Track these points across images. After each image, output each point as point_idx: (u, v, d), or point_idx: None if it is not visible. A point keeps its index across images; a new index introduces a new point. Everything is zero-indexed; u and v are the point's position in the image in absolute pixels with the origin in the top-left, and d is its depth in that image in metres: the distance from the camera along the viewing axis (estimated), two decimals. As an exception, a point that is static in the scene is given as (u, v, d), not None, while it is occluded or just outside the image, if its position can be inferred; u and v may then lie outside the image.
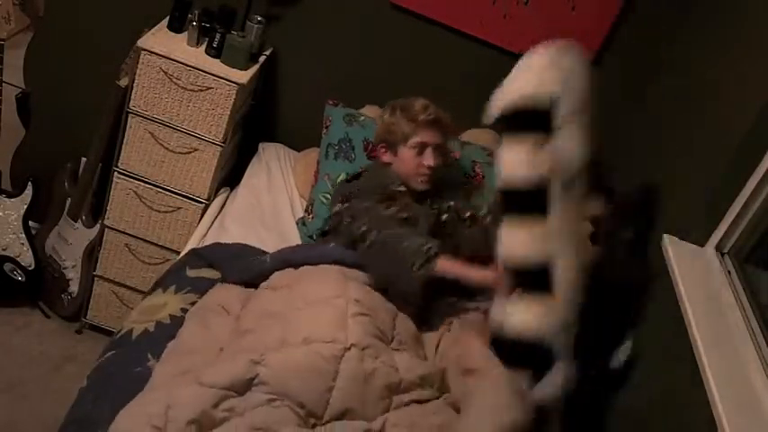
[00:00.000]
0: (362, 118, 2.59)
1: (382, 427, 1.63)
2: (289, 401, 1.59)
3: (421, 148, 2.19)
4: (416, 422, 1.64)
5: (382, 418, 1.65)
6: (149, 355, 1.81)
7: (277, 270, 2.02)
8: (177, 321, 1.92)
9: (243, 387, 1.60)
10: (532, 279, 1.78)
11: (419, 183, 2.22)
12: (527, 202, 1.77)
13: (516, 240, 1.78)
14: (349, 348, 1.66)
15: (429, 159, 2.19)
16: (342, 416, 1.62)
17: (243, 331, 1.81)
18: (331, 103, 2.64)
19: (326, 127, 2.60)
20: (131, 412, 1.57)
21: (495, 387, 1.72)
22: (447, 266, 1.95)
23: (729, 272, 1.92)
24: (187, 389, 1.57)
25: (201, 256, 2.20)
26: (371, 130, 2.54)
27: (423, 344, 1.96)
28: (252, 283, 2.05)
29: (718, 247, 1.97)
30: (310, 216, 2.46)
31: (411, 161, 2.19)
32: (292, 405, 1.59)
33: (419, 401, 1.73)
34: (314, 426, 1.61)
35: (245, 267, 2.09)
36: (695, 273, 1.88)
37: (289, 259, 2.05)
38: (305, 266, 2.02)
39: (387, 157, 2.26)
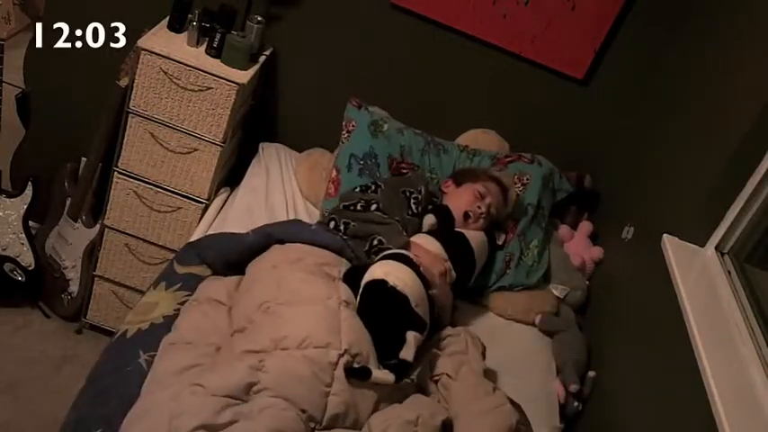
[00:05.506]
0: (386, 127, 2.53)
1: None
2: (292, 405, 1.62)
3: (484, 194, 2.40)
4: (389, 420, 1.69)
5: (367, 422, 1.70)
6: (140, 352, 1.81)
7: (259, 244, 2.05)
8: (170, 320, 1.92)
9: (244, 393, 1.61)
10: None
11: (466, 220, 2.37)
12: None
13: None
14: (343, 354, 1.71)
15: (484, 206, 2.39)
16: (336, 419, 1.66)
17: (238, 328, 1.82)
18: (354, 103, 2.57)
19: (348, 132, 2.53)
20: (136, 421, 1.57)
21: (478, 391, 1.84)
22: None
23: (729, 272, 1.92)
24: (190, 397, 1.57)
25: (193, 247, 2.19)
26: (396, 144, 2.52)
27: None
28: (236, 266, 2.07)
29: (718, 247, 1.97)
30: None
31: (469, 197, 2.40)
32: (296, 410, 1.62)
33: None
34: (313, 430, 1.63)
35: (225, 244, 2.11)
36: (695, 273, 1.89)
37: (270, 233, 2.08)
38: (288, 247, 2.04)
39: (448, 189, 2.47)
